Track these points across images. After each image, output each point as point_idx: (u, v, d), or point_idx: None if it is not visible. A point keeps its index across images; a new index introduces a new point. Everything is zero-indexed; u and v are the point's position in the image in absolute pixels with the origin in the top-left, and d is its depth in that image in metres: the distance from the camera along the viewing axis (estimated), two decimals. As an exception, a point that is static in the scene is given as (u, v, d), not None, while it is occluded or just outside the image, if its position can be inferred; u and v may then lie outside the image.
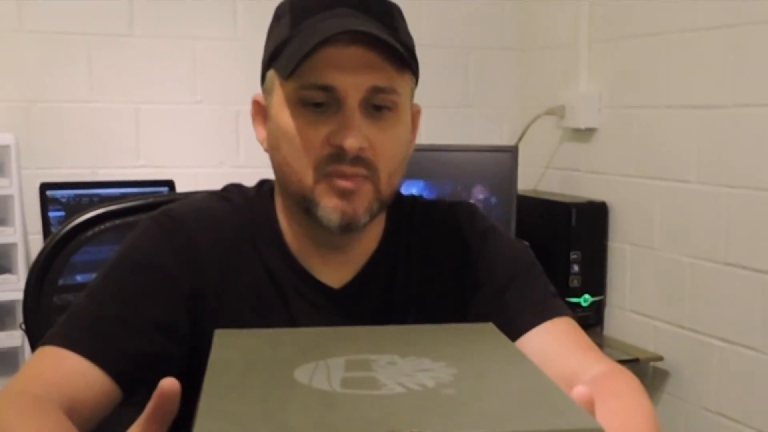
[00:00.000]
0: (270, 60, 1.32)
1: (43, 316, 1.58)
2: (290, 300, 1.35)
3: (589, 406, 0.92)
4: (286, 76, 1.25)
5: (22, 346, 2.77)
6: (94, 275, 1.37)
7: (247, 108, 3.26)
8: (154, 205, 1.67)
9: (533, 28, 3.60)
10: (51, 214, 2.94)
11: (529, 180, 3.52)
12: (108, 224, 1.64)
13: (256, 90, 3.24)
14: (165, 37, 3.23)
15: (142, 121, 3.22)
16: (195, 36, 3.27)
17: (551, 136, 3.43)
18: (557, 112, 3.31)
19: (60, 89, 3.12)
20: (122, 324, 1.22)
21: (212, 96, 3.30)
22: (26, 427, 1.07)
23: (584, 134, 3.23)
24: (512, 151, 3.15)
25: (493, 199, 3.10)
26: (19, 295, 1.67)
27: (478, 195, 3.08)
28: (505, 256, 1.45)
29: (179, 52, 3.26)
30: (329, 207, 1.27)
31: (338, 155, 1.25)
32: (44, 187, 2.96)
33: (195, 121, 3.29)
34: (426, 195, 1.49)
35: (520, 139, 3.40)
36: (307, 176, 1.27)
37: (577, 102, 3.22)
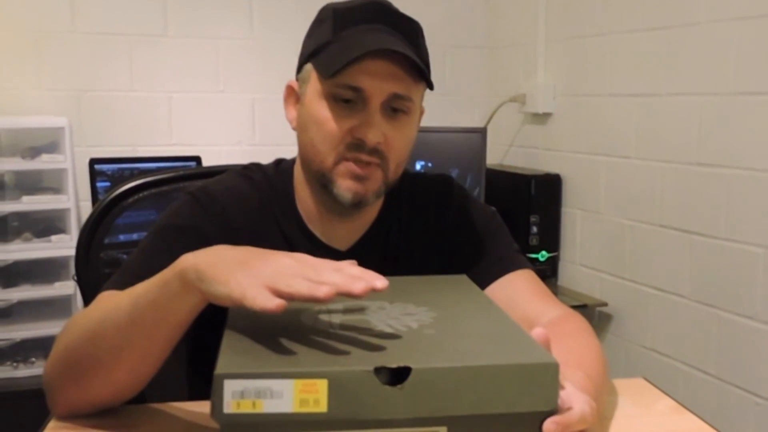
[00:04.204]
0: (310, 55, 1.31)
1: (92, 269, 1.57)
2: None
3: (547, 345, 0.92)
4: (327, 76, 1.24)
5: (74, 295, 2.76)
6: (134, 235, 1.36)
7: (262, 96, 3.32)
8: (185, 177, 1.67)
9: (499, 29, 3.58)
10: (98, 184, 2.93)
11: (495, 156, 3.51)
12: (146, 193, 1.62)
13: (270, 81, 3.21)
14: (193, 37, 3.22)
15: (174, 107, 3.21)
16: (218, 36, 3.25)
17: (514, 119, 3.41)
18: (519, 99, 3.29)
19: (106, 80, 3.11)
20: None
21: (233, 86, 3.29)
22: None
23: (542, 118, 3.22)
24: (482, 132, 3.14)
25: (466, 172, 3.09)
26: (72, 252, 1.66)
27: (454, 169, 3.07)
28: (477, 219, 1.46)
29: (205, 50, 3.24)
30: (344, 187, 1.27)
31: (358, 145, 1.25)
32: (93, 161, 2.95)
33: (218, 107, 3.28)
34: (411, 168, 1.49)
35: (488, 122, 3.39)
36: (329, 158, 1.27)
37: (535, 91, 3.20)
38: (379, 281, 0.88)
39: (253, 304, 0.86)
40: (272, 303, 0.84)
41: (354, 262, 0.98)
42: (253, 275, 0.89)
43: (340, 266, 0.92)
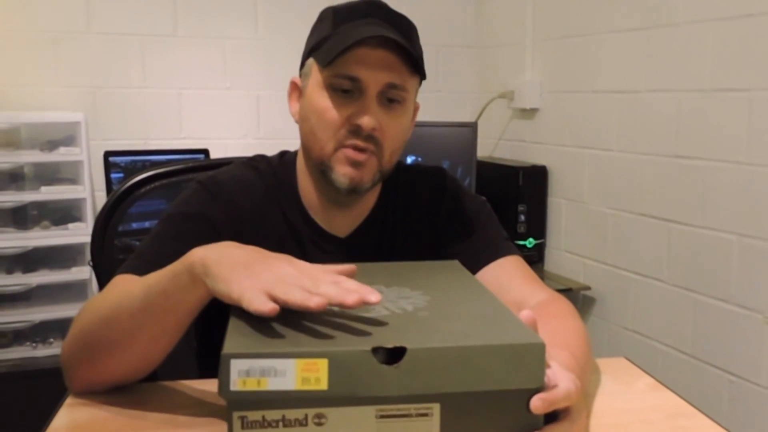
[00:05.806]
0: (311, 51, 1.32)
1: (106, 255, 1.57)
2: (306, 247, 1.36)
3: (534, 326, 0.92)
4: (325, 64, 1.25)
5: (90, 279, 2.77)
6: (146, 223, 1.35)
7: (266, 93, 3.32)
8: (194, 169, 1.66)
9: (488, 30, 3.57)
10: (112, 175, 2.92)
11: (486, 149, 3.51)
12: (157, 183, 1.62)
13: (274, 79, 3.20)
14: (201, 37, 3.21)
15: (184, 102, 3.21)
16: (225, 36, 3.24)
17: (503, 114, 3.41)
18: (508, 95, 3.29)
19: (119, 78, 3.11)
20: (179, 257, 1.20)
21: (238, 83, 3.28)
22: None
23: (529, 113, 3.22)
24: (473, 127, 3.14)
25: (458, 165, 3.08)
26: (87, 239, 1.66)
27: (446, 161, 3.07)
28: (469, 208, 1.45)
29: (213, 49, 3.23)
30: (341, 173, 1.27)
31: (355, 131, 1.25)
32: (107, 154, 2.94)
33: (225, 103, 3.27)
34: (407, 160, 1.48)
35: (478, 117, 3.39)
36: (328, 145, 1.27)
37: (523, 88, 3.19)
38: (373, 295, 0.88)
39: (249, 306, 0.87)
40: (266, 307, 0.85)
41: (353, 269, 0.98)
42: (253, 278, 0.90)
43: (338, 279, 0.92)
